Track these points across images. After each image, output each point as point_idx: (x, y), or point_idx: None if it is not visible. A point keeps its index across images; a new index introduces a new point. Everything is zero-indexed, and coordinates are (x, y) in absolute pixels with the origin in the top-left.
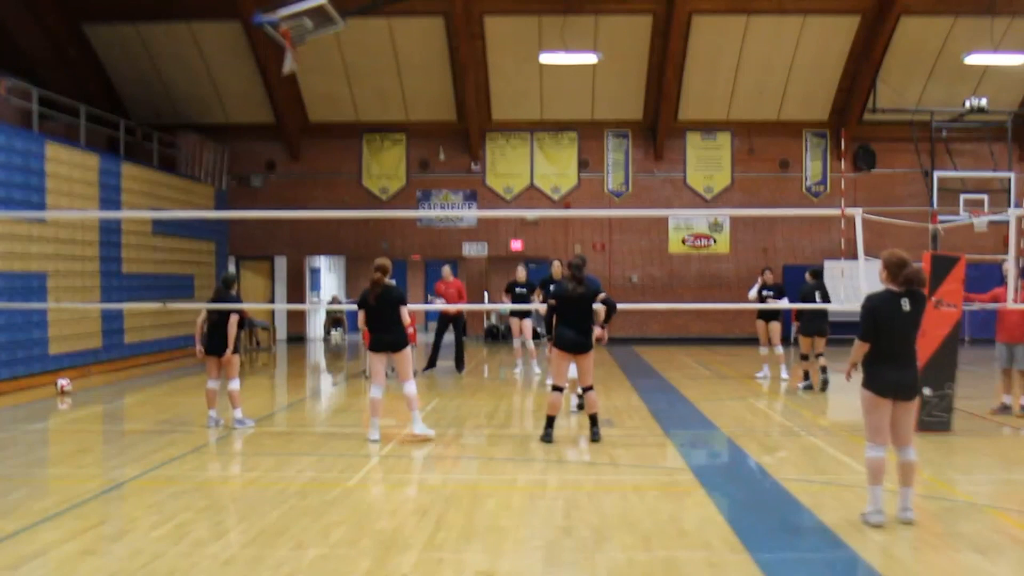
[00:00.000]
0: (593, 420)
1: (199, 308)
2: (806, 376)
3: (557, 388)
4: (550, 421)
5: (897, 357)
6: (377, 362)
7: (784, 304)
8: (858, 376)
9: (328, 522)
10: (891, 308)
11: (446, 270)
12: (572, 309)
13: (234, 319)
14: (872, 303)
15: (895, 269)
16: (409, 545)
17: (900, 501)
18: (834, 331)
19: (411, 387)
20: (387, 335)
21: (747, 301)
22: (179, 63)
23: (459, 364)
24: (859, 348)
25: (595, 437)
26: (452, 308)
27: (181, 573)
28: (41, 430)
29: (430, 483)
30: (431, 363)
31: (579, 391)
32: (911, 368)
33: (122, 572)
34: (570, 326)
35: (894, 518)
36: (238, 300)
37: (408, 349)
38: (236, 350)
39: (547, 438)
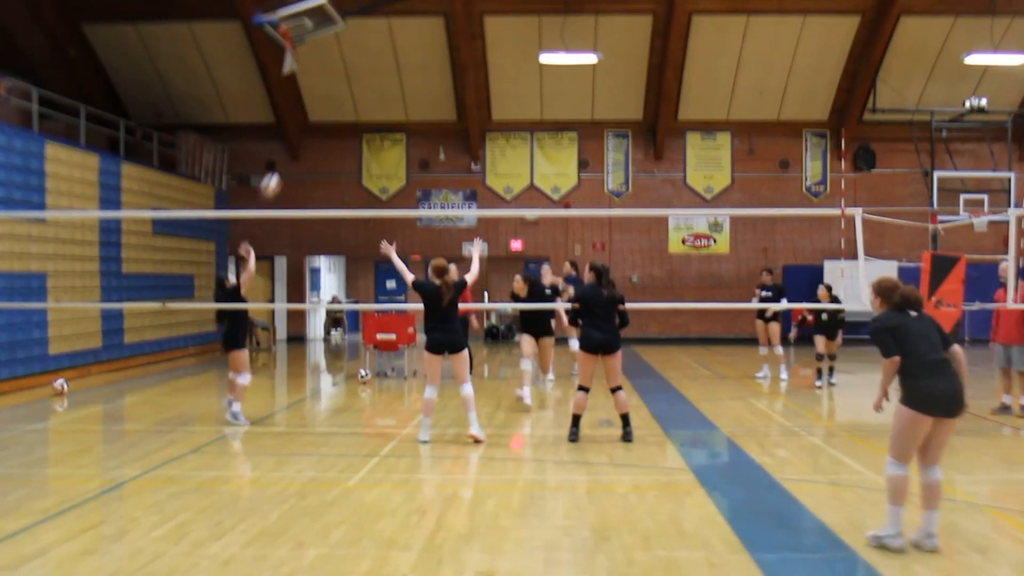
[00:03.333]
0: (625, 420)
1: (199, 308)
2: (819, 374)
3: (583, 388)
4: (575, 420)
5: (937, 365)
6: (435, 363)
7: (783, 305)
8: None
9: (328, 522)
10: (901, 319)
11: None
12: (597, 311)
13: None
14: (879, 322)
15: (887, 292)
16: (409, 545)
17: (924, 526)
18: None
19: (468, 388)
20: (448, 335)
21: (749, 301)
22: (179, 63)
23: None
24: (889, 367)
25: (627, 437)
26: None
27: (181, 573)
28: (41, 430)
29: (430, 483)
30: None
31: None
32: (956, 378)
33: (122, 572)
34: (596, 327)
35: (911, 543)
36: (234, 292)
37: (466, 351)
38: (239, 345)
39: (573, 437)
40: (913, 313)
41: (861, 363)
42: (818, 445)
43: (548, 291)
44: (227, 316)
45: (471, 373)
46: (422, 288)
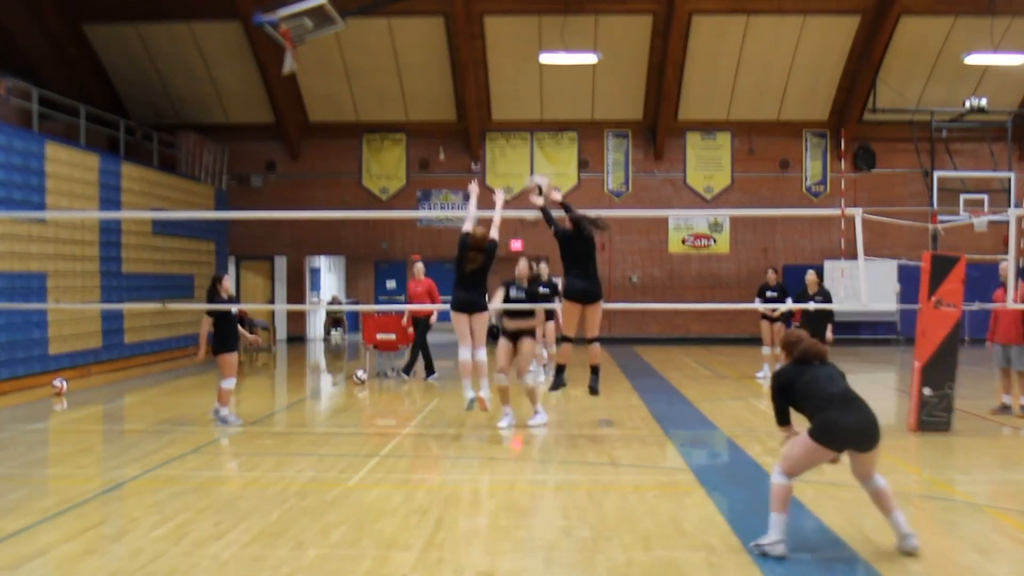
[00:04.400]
0: (594, 370)
1: (199, 308)
2: None
3: (567, 339)
4: (560, 369)
5: (842, 398)
6: (462, 321)
7: (787, 305)
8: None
9: (328, 522)
10: (798, 371)
11: (418, 267)
12: (577, 257)
13: (205, 321)
14: (774, 380)
15: (790, 347)
16: (409, 545)
17: (897, 528)
18: (836, 332)
19: (482, 355)
20: (470, 295)
21: (749, 301)
22: (179, 63)
23: (408, 367)
24: (785, 434)
25: (593, 388)
26: (422, 309)
27: (181, 573)
28: (41, 430)
29: (430, 483)
30: (429, 369)
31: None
32: (867, 411)
33: (122, 572)
34: (578, 276)
35: (895, 548)
36: (221, 300)
37: (487, 313)
38: (228, 349)
39: (560, 384)
40: (817, 366)
41: (862, 363)
42: None
43: (545, 289)
44: (216, 319)
45: (410, 373)
46: (459, 243)
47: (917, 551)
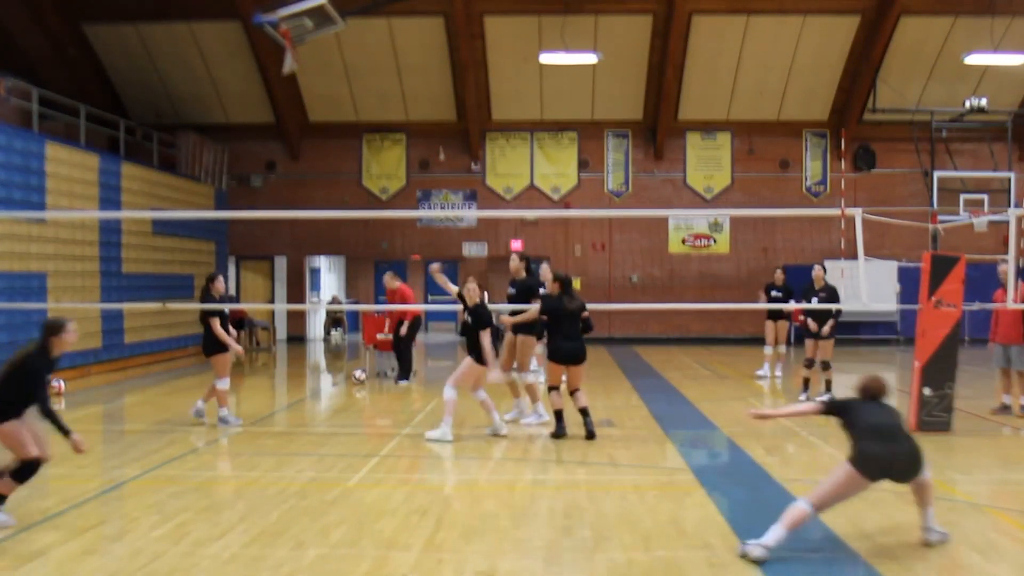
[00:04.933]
0: (585, 413)
1: (198, 308)
2: (806, 386)
3: (555, 388)
4: (559, 415)
5: (890, 433)
6: (483, 375)
7: (792, 305)
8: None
9: (328, 522)
10: (858, 402)
11: (385, 279)
12: (564, 322)
13: (213, 321)
14: (840, 399)
15: (862, 386)
16: (409, 545)
17: (925, 521)
18: (839, 331)
19: (482, 394)
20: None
21: (750, 301)
22: (179, 63)
23: (403, 375)
24: (803, 410)
25: (590, 433)
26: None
27: (181, 573)
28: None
29: (430, 483)
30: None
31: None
32: (910, 445)
33: (122, 572)
34: (565, 338)
35: (922, 544)
36: (215, 300)
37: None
38: (222, 350)
39: (560, 432)
40: (877, 399)
41: (862, 363)
42: (818, 445)
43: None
44: (210, 319)
45: (404, 380)
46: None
47: (931, 543)
